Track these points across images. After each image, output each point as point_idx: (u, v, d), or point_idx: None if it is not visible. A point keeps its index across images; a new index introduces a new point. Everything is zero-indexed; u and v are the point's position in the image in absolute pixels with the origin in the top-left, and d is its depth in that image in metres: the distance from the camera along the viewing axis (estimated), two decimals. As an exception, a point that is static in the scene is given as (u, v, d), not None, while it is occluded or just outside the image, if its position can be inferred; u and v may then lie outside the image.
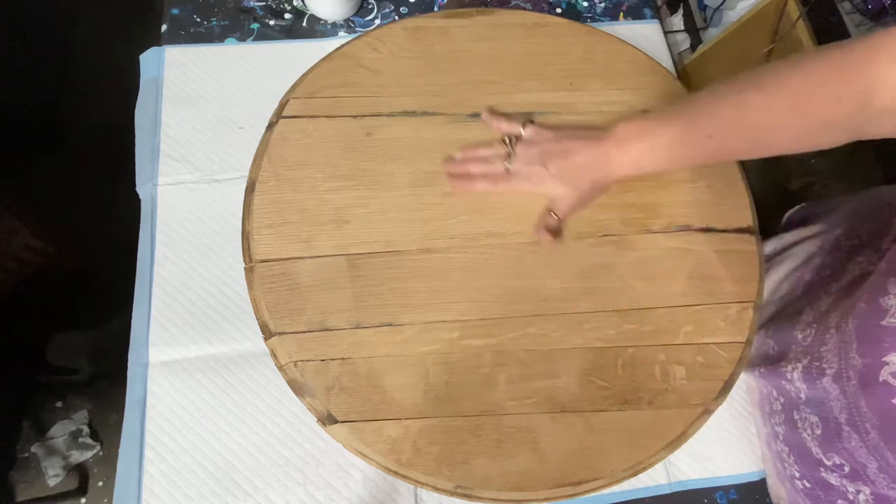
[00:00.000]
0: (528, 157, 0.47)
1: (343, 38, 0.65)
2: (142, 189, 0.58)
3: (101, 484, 1.06)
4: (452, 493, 0.41)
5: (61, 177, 1.25)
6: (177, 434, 0.50)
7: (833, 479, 0.42)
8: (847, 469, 0.40)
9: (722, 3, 0.95)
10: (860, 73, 0.34)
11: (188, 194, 0.57)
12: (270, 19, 0.66)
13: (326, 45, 0.62)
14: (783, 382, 0.46)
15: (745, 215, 0.50)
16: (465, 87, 0.52)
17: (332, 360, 0.43)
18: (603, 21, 0.70)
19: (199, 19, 0.65)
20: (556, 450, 0.42)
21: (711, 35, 0.98)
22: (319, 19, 0.66)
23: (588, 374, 0.44)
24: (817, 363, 0.41)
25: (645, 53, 0.56)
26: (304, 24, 0.66)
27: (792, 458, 0.46)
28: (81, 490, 1.05)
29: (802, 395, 0.44)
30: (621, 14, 0.70)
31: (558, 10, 0.70)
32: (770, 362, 0.48)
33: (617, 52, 0.55)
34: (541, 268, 0.47)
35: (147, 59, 0.63)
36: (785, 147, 0.39)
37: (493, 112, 0.51)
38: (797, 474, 0.46)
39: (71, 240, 1.21)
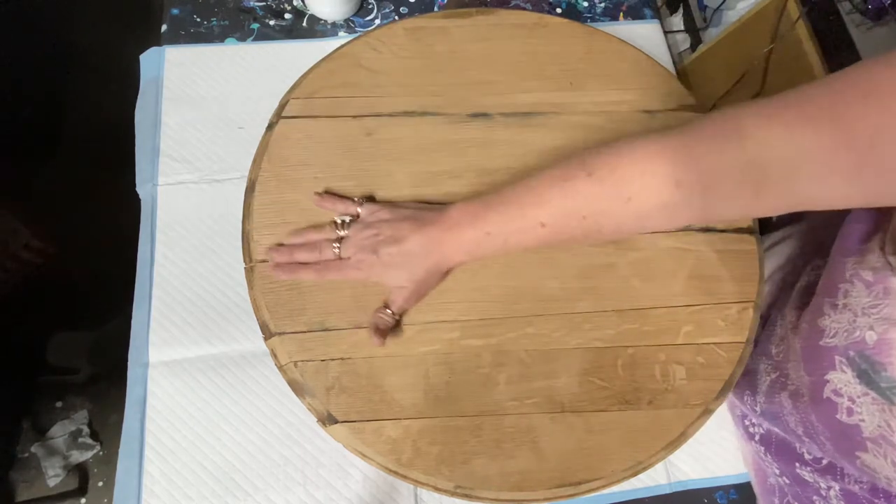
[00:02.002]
0: (359, 243, 0.43)
1: (343, 38, 0.65)
2: (142, 189, 0.58)
3: (101, 484, 1.06)
4: (452, 494, 0.41)
5: (61, 177, 1.25)
6: (177, 434, 0.50)
7: (807, 475, 0.42)
8: (825, 462, 0.41)
9: (722, 3, 0.95)
10: (694, 157, 0.33)
11: (188, 194, 0.57)
12: (270, 19, 0.66)
13: (326, 45, 0.62)
14: (746, 392, 0.46)
15: (745, 215, 0.50)
16: (465, 87, 0.52)
17: (332, 360, 0.43)
18: (603, 21, 0.70)
19: (199, 19, 0.65)
20: (556, 450, 0.42)
21: (711, 35, 0.98)
22: (319, 19, 0.66)
23: (588, 374, 0.44)
24: (783, 379, 0.42)
25: (645, 53, 0.56)
26: (304, 24, 0.66)
27: (769, 455, 0.46)
28: (81, 490, 1.05)
29: (758, 409, 0.45)
30: (621, 14, 0.70)
31: (558, 10, 0.70)
32: (748, 372, 0.48)
33: (617, 52, 0.55)
34: (541, 268, 0.47)
35: (147, 59, 0.63)
36: (623, 233, 0.38)
37: (325, 194, 0.47)
38: (777, 471, 0.46)
39: (71, 240, 1.22)
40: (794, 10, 0.76)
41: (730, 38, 0.92)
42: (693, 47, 1.04)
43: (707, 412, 0.44)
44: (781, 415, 0.41)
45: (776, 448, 0.45)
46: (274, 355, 0.44)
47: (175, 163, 0.58)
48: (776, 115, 0.30)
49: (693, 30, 1.05)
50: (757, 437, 0.48)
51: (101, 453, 1.08)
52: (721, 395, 0.45)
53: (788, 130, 0.29)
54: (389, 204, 0.46)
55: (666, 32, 0.70)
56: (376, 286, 0.45)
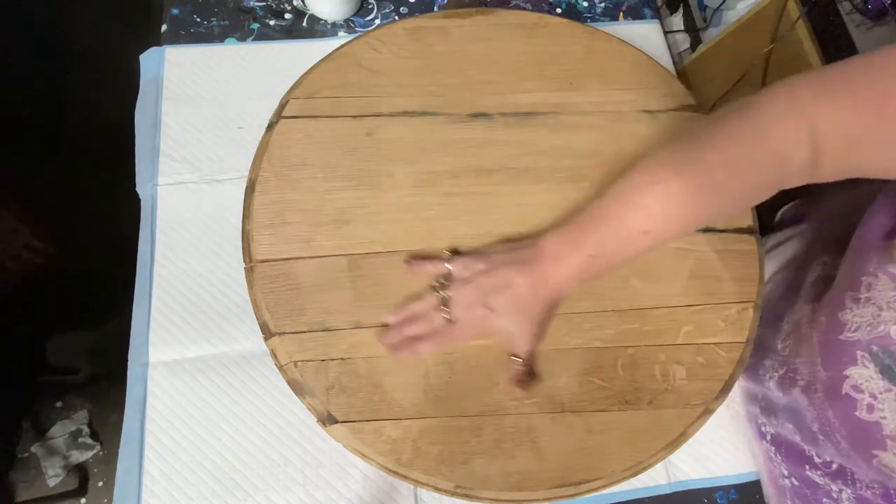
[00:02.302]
0: (466, 302, 0.41)
1: (343, 38, 0.65)
2: (142, 189, 0.58)
3: (101, 484, 1.06)
4: (452, 494, 0.41)
5: (61, 177, 1.25)
6: (177, 434, 0.50)
7: (817, 478, 0.42)
8: (835, 466, 0.40)
9: (722, 3, 0.96)
10: (768, 139, 0.34)
11: (188, 194, 0.57)
12: (270, 19, 0.66)
13: (326, 45, 0.62)
14: (763, 390, 0.46)
15: (745, 215, 0.50)
16: (465, 87, 0.52)
17: (332, 360, 0.43)
18: (603, 21, 0.70)
19: (199, 19, 0.65)
20: (556, 450, 0.42)
21: (711, 35, 0.98)
22: (319, 19, 0.66)
23: (588, 374, 0.44)
24: (791, 374, 0.41)
25: (645, 53, 0.56)
26: (304, 24, 0.66)
27: (779, 456, 0.46)
28: (81, 490, 1.05)
29: (781, 403, 0.44)
30: (621, 14, 0.70)
31: (558, 10, 0.70)
32: (748, 367, 0.48)
33: (617, 52, 0.55)
34: (541, 268, 0.47)
35: (147, 59, 0.63)
36: (715, 220, 0.40)
37: (411, 259, 0.45)
38: (785, 472, 0.46)
39: (71, 240, 1.22)
40: (794, 10, 0.76)
41: (730, 38, 0.92)
42: (693, 47, 1.04)
43: (707, 412, 0.44)
44: (800, 410, 0.40)
45: (786, 450, 0.45)
46: (274, 355, 0.44)
47: (175, 163, 0.58)
48: (824, 92, 0.32)
49: (693, 30, 1.05)
50: (768, 437, 0.47)
51: (101, 453, 1.08)
52: (721, 395, 0.45)
53: (837, 106, 0.31)
54: (476, 253, 0.45)
55: (666, 32, 0.70)
56: (377, 286, 0.45)
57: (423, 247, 0.47)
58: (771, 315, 0.48)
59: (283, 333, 0.43)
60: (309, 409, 0.42)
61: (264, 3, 0.67)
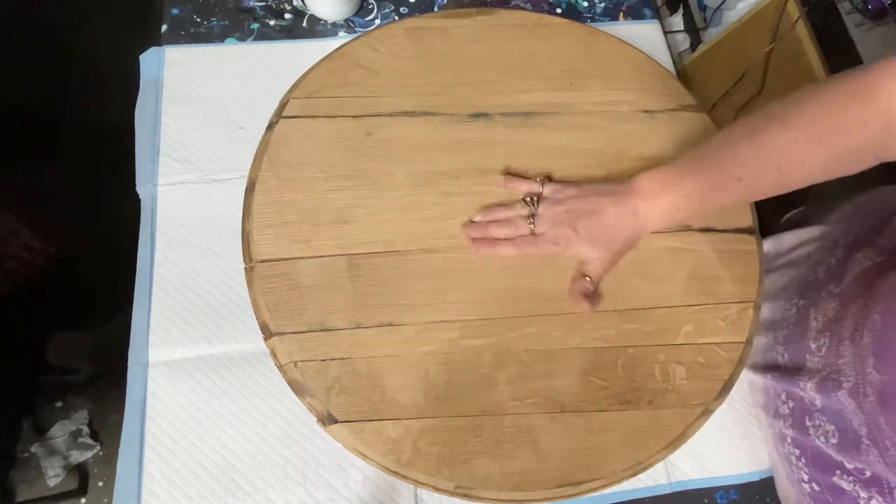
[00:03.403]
0: (554, 219, 0.44)
1: (343, 38, 0.65)
2: (142, 189, 0.58)
3: (101, 484, 1.06)
4: (452, 494, 0.41)
5: (61, 177, 1.25)
6: (177, 434, 0.50)
7: (846, 484, 0.41)
8: (868, 474, 0.39)
9: (722, 3, 0.96)
10: (878, 96, 0.34)
11: (188, 194, 0.57)
12: (270, 19, 0.66)
13: (326, 45, 0.62)
14: (796, 389, 0.45)
15: (745, 215, 0.50)
16: (464, 87, 0.52)
17: (333, 360, 0.43)
18: (603, 21, 0.70)
19: (199, 19, 0.65)
20: (556, 450, 0.42)
21: (711, 35, 0.98)
22: (319, 19, 0.66)
23: (588, 374, 0.44)
24: (834, 376, 0.40)
25: (645, 53, 0.56)
26: (304, 24, 0.66)
27: (802, 461, 0.45)
28: (81, 490, 1.05)
29: (818, 404, 0.43)
30: (621, 14, 0.70)
31: (558, 11, 0.70)
32: (781, 371, 0.47)
33: (617, 52, 0.55)
34: (541, 268, 0.47)
35: (147, 59, 0.63)
36: (813, 178, 0.39)
37: (510, 174, 0.49)
38: (805, 477, 0.45)
39: (71, 240, 1.22)
40: (794, 10, 0.76)
41: (730, 38, 0.92)
42: (693, 47, 1.04)
43: (707, 412, 0.44)
44: (844, 413, 0.39)
45: (812, 455, 0.44)
46: (274, 355, 0.44)
47: (175, 163, 0.58)
48: None
49: (693, 30, 1.05)
50: (789, 440, 0.46)
51: (101, 453, 1.08)
52: (721, 394, 0.45)
53: None
54: (570, 182, 0.47)
55: (666, 32, 0.70)
56: (377, 286, 0.45)
57: (422, 247, 0.47)
58: (796, 316, 0.47)
59: (283, 333, 0.43)
60: (309, 409, 0.42)
61: (264, 3, 0.67)
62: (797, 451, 0.46)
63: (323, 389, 0.42)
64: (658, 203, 0.42)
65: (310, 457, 0.50)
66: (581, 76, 0.54)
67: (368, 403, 0.42)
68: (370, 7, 0.68)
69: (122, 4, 1.36)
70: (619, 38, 0.56)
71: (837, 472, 0.42)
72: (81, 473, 1.07)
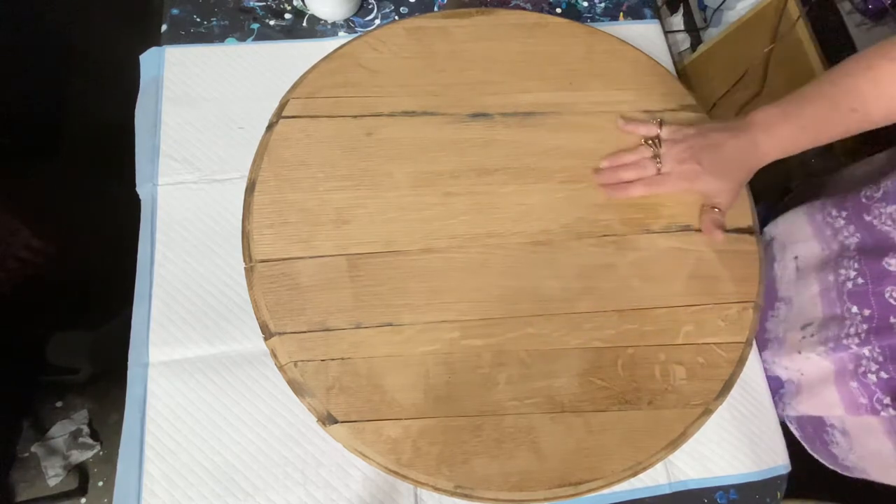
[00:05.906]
0: (679, 156, 0.47)
1: (343, 38, 0.65)
2: (142, 189, 0.58)
3: (101, 484, 1.06)
4: (452, 494, 0.41)
5: (61, 177, 1.25)
6: (177, 434, 0.50)
7: None
8: None
9: (722, 3, 0.96)
10: None
11: (188, 194, 0.57)
12: (270, 19, 0.66)
13: (326, 45, 0.62)
14: (847, 352, 0.46)
15: (746, 215, 0.50)
16: (465, 87, 0.52)
17: (332, 360, 0.43)
18: (603, 21, 0.70)
19: (199, 19, 0.65)
20: (556, 450, 0.42)
21: (711, 35, 0.98)
22: (319, 19, 0.66)
23: (588, 374, 0.44)
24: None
25: (645, 53, 0.56)
26: (304, 24, 0.66)
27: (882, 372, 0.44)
28: (81, 490, 1.05)
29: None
30: (621, 14, 0.70)
31: (558, 10, 0.70)
32: (826, 340, 0.47)
33: (617, 52, 0.55)
34: (541, 268, 0.47)
35: (147, 59, 0.63)
36: None
37: (627, 117, 0.51)
38: (885, 400, 0.44)
39: (71, 239, 1.21)
40: (794, 10, 0.76)
41: (730, 38, 0.92)
42: (693, 47, 1.04)
43: (707, 412, 0.44)
44: None
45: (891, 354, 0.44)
46: (274, 355, 0.44)
47: (175, 163, 0.58)
48: None
49: (693, 30, 1.05)
50: (881, 400, 0.45)
51: (101, 453, 1.08)
52: (721, 394, 0.45)
53: None
54: (684, 123, 0.49)
55: (666, 32, 0.70)
56: (377, 286, 0.45)
57: (422, 246, 0.47)
58: (814, 286, 0.49)
59: (283, 333, 0.43)
60: (309, 409, 0.42)
61: (264, 3, 0.67)
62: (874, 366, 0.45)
63: (323, 389, 0.42)
64: (777, 133, 0.44)
65: (310, 457, 0.50)
66: (581, 76, 0.54)
67: (368, 403, 0.42)
68: (370, 7, 0.68)
69: (122, 4, 1.36)
70: (619, 38, 0.56)
71: None
72: (81, 473, 1.06)
